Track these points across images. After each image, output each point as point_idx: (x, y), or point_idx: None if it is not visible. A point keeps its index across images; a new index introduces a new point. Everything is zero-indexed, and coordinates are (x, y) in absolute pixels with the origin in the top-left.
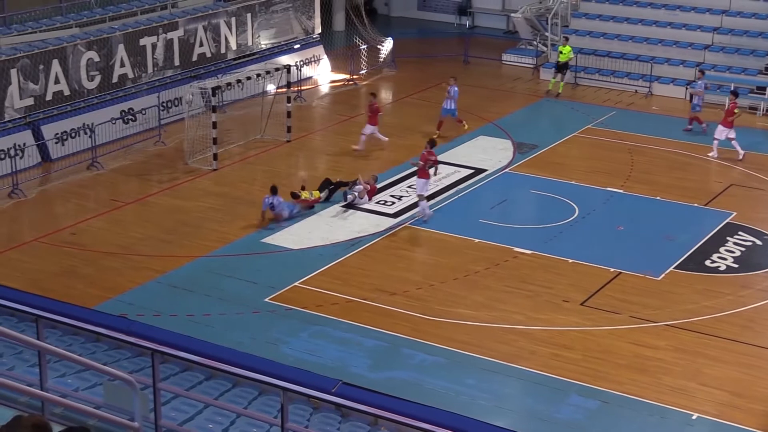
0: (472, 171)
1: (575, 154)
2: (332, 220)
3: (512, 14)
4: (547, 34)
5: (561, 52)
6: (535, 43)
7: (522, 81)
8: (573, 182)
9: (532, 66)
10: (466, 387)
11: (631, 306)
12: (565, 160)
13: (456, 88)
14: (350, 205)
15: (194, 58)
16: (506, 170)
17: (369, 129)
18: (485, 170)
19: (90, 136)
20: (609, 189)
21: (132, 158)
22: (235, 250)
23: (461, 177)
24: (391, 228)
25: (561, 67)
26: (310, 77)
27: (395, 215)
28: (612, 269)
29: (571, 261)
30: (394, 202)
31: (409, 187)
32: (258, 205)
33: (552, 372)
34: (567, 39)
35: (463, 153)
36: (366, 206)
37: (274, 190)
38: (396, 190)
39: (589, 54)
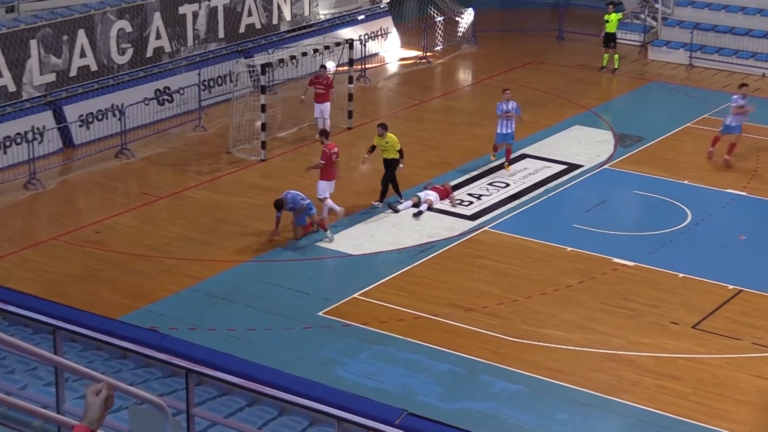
0: (564, 167)
1: (689, 149)
2: (399, 221)
3: None
4: (657, 5)
5: (608, 21)
6: (642, 16)
7: (627, 61)
8: (685, 182)
9: (639, 43)
10: (555, 423)
11: (754, 331)
12: (676, 156)
13: (515, 104)
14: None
15: (241, 30)
16: (606, 166)
17: (320, 110)
18: (580, 166)
19: (119, 119)
20: (729, 191)
21: (167, 145)
22: (285, 255)
23: (552, 173)
24: (468, 232)
25: (609, 39)
26: (376, 54)
27: (474, 217)
28: (731, 286)
29: (681, 276)
30: (472, 202)
31: (489, 184)
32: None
33: (658, 407)
34: (614, 5)
35: (554, 145)
36: (438, 206)
37: (280, 204)
38: (475, 187)
39: (707, 30)
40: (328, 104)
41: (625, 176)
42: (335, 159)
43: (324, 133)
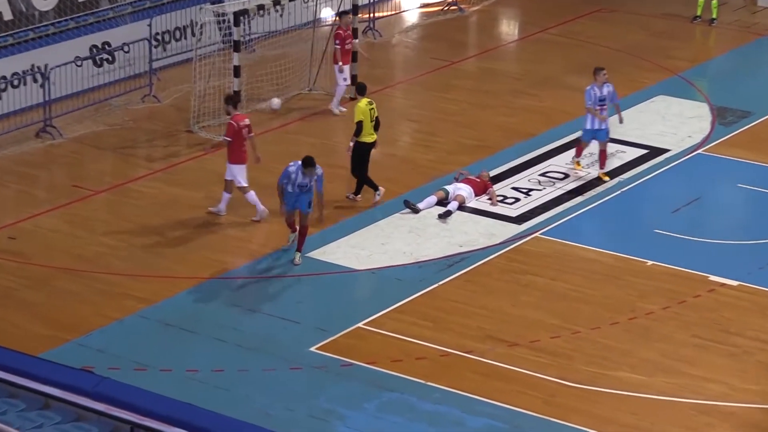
0: (644, 151)
1: None
2: (419, 225)
3: None
4: None
5: None
6: None
7: (728, 8)
8: None
9: None
10: None
11: None
12: None
13: (612, 89)
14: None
15: None
16: (699, 151)
17: (343, 80)
18: (666, 150)
19: (42, 86)
20: None
21: (106, 121)
22: (266, 271)
23: (627, 161)
24: (512, 239)
25: None
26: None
27: (520, 219)
28: None
29: None
30: (517, 199)
31: (541, 176)
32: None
33: None
34: None
35: (630, 122)
36: (473, 204)
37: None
38: (522, 179)
39: None
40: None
41: (726, 164)
42: (247, 135)
43: (231, 100)
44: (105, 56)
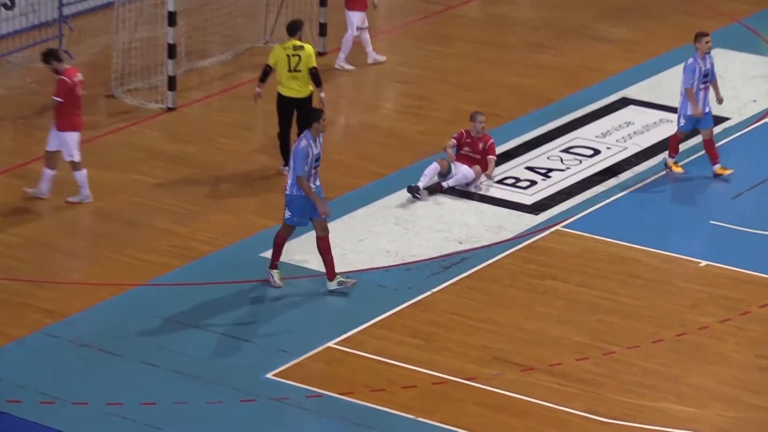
0: None
1: None
2: (407, 215)
3: None
4: None
5: None
6: None
7: None
8: None
9: None
10: None
11: None
12: None
13: (713, 60)
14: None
15: None
16: (764, 120)
17: (356, 25)
18: (724, 119)
19: None
20: None
21: (3, 83)
22: (209, 275)
23: (671, 132)
24: (527, 234)
25: None
26: None
27: (537, 208)
28: None
29: None
30: (533, 182)
31: (564, 152)
32: (268, 177)
33: None
34: None
35: (678, 83)
36: (474, 188)
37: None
38: (539, 156)
39: None
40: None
41: None
42: (79, 92)
43: (52, 55)
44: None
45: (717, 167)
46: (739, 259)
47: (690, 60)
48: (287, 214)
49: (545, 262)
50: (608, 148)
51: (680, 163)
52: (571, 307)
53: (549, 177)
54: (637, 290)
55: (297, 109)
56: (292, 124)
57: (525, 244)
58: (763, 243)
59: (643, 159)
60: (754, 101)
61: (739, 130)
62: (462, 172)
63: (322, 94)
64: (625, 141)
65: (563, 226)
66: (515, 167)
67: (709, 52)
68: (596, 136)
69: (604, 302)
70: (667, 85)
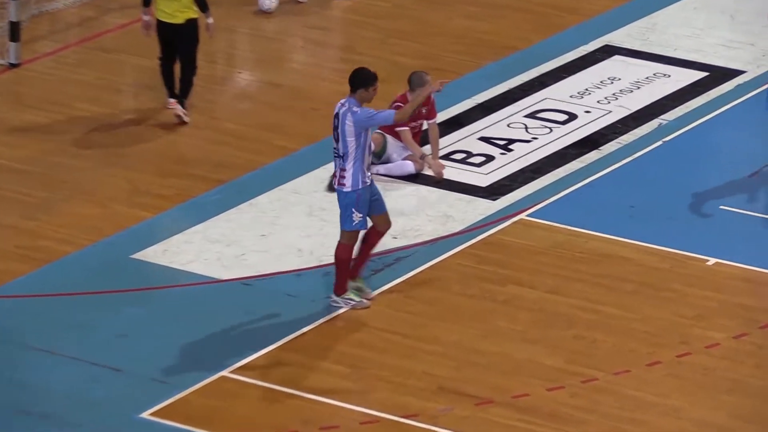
0: (702, 74)
1: None
2: (324, 201)
3: None
4: None
5: None
6: None
7: None
8: None
9: None
10: None
11: None
12: None
13: None
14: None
15: None
16: None
17: None
18: (737, 73)
19: None
20: None
21: None
22: (67, 284)
23: (672, 91)
24: (482, 224)
25: None
26: None
27: (494, 191)
28: None
29: None
30: (490, 157)
31: (530, 117)
32: (142, 154)
33: None
34: None
35: (681, 27)
36: (407, 167)
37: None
38: (496, 122)
39: None
40: None
41: None
42: None
43: None
44: None
45: None
46: (759, 255)
47: None
48: (356, 217)
49: (506, 262)
50: (587, 111)
51: (683, 128)
52: (540, 320)
53: (510, 150)
54: (626, 298)
55: (175, 39)
56: (176, 57)
57: (479, 238)
58: None
59: (632, 126)
60: None
61: (756, 87)
62: (399, 164)
63: (210, 20)
64: (609, 102)
65: (529, 215)
66: (466, 138)
67: None
68: (571, 97)
69: (583, 314)
70: (663, 29)
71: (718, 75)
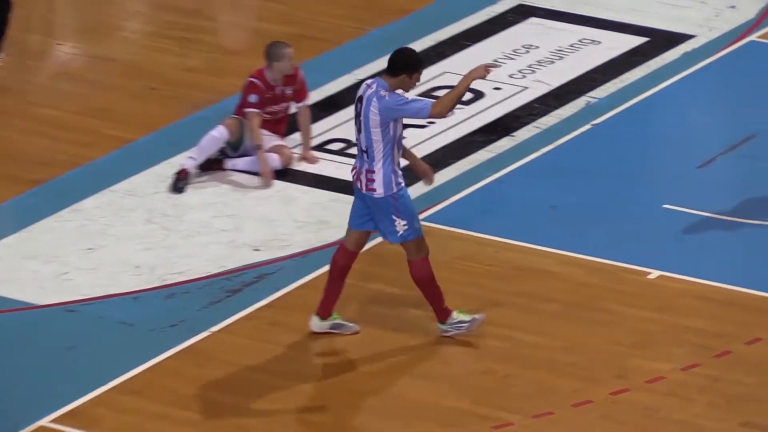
0: (643, 40)
1: None
2: (166, 203)
3: None
4: None
5: None
6: None
7: None
8: None
9: None
10: None
11: None
12: None
13: None
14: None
15: None
16: (751, 37)
17: None
18: (686, 37)
19: None
20: None
21: None
22: None
23: (607, 59)
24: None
25: None
26: None
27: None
28: None
29: None
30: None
31: (424, 95)
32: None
33: None
34: None
35: None
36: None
37: None
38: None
39: None
40: None
41: None
42: None
43: None
44: None
45: None
46: (711, 267)
47: None
48: (400, 226)
49: (396, 279)
50: (497, 89)
51: (616, 108)
52: (438, 352)
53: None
54: (548, 321)
55: None
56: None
57: (363, 249)
58: (749, 239)
59: (555, 106)
60: (732, 6)
61: (709, 54)
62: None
63: None
64: (525, 77)
65: (424, 219)
66: (344, 123)
67: None
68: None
69: (494, 342)
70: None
71: (660, 41)
